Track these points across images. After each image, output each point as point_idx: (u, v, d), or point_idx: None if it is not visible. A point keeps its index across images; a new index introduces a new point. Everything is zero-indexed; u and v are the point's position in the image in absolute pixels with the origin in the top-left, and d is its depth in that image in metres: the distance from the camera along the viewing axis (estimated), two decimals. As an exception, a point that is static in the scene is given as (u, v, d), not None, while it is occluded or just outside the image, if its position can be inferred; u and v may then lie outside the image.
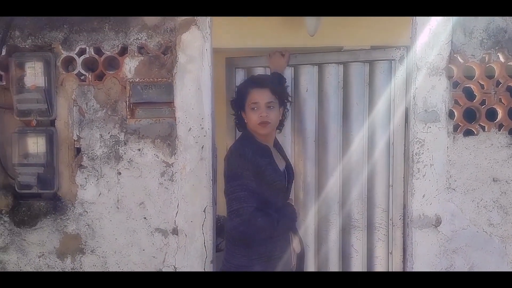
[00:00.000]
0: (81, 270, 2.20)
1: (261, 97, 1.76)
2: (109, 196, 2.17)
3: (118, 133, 2.15)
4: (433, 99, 2.09)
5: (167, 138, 2.15)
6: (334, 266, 2.29)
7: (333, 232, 2.29)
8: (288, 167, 1.91)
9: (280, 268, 1.74)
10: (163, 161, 2.16)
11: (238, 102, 1.84)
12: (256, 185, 1.67)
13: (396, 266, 2.26)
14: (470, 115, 2.16)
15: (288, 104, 1.93)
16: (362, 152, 2.25)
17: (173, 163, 2.15)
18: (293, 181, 1.98)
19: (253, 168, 1.68)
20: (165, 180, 2.16)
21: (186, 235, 2.16)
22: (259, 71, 2.32)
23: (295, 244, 1.83)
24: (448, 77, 2.09)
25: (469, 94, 2.15)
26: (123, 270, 2.19)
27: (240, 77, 2.34)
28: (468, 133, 2.13)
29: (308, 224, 2.30)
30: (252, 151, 1.70)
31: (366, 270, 2.29)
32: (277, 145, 1.95)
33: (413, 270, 2.15)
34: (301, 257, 1.89)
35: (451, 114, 2.11)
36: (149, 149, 2.16)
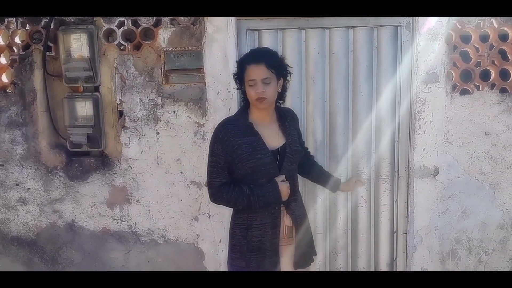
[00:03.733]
0: (129, 218, 2.82)
1: (257, 73, 1.96)
2: (150, 153, 2.76)
3: (155, 97, 2.71)
4: (433, 62, 2.62)
5: (199, 101, 2.71)
6: (344, 214, 2.89)
7: (343, 185, 2.86)
8: (287, 145, 2.07)
9: (259, 237, 2.04)
10: (195, 122, 2.73)
11: (239, 77, 2.06)
12: (225, 163, 1.98)
13: (400, 212, 2.86)
14: (466, 76, 2.70)
15: (289, 75, 2.12)
16: (371, 111, 2.77)
17: (204, 123, 2.72)
18: (291, 159, 2.07)
19: (224, 146, 1.97)
20: (197, 138, 2.74)
21: (217, 186, 2.75)
22: (271, 33, 2.71)
23: (286, 219, 2.10)
24: (447, 41, 2.61)
25: (466, 57, 2.68)
26: (164, 218, 2.82)
27: (251, 39, 2.71)
28: (464, 92, 2.68)
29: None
30: (226, 130, 1.98)
31: (373, 217, 2.88)
32: (283, 120, 2.11)
33: (414, 218, 2.74)
34: (297, 228, 2.12)
35: (449, 75, 2.65)
36: (183, 111, 2.72)
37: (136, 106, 2.73)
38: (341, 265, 2.94)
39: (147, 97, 2.72)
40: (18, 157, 2.82)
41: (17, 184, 2.84)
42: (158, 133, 2.74)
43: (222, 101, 2.69)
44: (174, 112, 2.72)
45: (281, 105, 2.19)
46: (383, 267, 2.94)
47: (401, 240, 2.88)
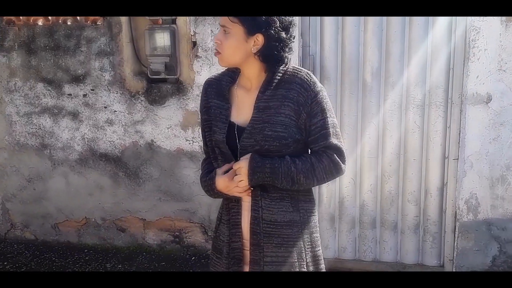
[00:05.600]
0: (200, 140, 3.31)
1: (221, 18, 1.58)
2: (219, 80, 3.21)
3: (224, 28, 3.13)
4: (490, -10, 2.85)
5: (263, 32, 3.10)
6: (396, 139, 3.22)
7: (397, 111, 3.17)
8: (251, 125, 1.59)
9: (222, 236, 1.72)
10: (260, 51, 3.13)
11: None
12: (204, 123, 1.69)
13: (452, 138, 3.16)
14: (522, 4, 2.90)
15: (278, 32, 1.53)
16: (426, 39, 3.05)
17: (268, 52, 3.12)
18: (247, 144, 1.60)
19: (202, 105, 1.71)
20: (262, 66, 3.15)
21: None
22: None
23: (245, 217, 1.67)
24: (505, -30, 2.82)
25: (523, -15, 2.88)
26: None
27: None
28: (519, 20, 2.90)
29: (374, 106, 3.18)
30: (207, 85, 1.72)
31: (425, 143, 3.19)
32: (264, 88, 1.60)
33: (465, 144, 3.03)
34: (253, 232, 1.66)
35: (505, 4, 2.87)
36: (249, 41, 3.13)
37: (207, 37, 3.18)
38: (392, 188, 3.31)
39: (217, 29, 3.14)
40: (106, 82, 3.40)
41: (105, 107, 3.43)
42: (226, 62, 3.18)
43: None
44: (241, 42, 3.14)
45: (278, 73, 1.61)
46: (433, 191, 3.28)
47: (452, 165, 3.19)
